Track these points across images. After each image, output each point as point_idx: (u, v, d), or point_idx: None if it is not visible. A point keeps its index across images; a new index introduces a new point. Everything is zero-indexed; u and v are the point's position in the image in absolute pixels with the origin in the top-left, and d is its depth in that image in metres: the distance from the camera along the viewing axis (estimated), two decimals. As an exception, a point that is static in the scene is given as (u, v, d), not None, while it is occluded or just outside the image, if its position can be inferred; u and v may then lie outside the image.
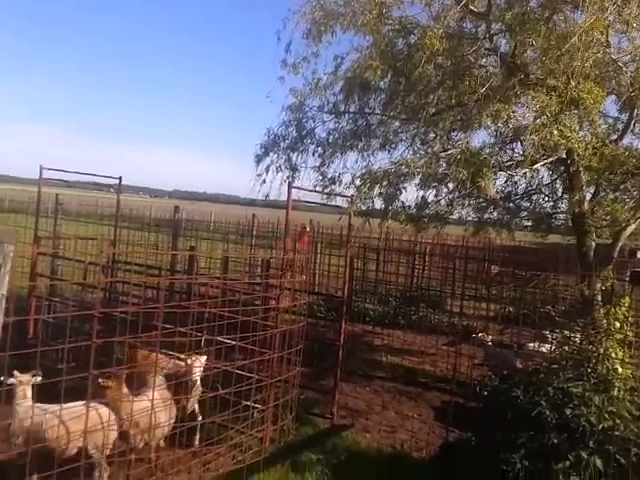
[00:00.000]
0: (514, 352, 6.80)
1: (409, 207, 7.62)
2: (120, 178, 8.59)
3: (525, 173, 7.45)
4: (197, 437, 4.95)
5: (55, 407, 3.98)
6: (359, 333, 10.56)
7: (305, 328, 5.17)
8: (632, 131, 7.15)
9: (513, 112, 5.40)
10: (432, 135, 7.78)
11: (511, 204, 7.98)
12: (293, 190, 5.68)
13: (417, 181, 7.13)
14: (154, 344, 4.44)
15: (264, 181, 7.62)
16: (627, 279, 4.68)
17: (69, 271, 8.17)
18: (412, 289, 13.17)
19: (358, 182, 6.32)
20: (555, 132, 5.00)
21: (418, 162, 6.56)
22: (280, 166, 7.72)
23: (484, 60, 6.36)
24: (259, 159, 7.68)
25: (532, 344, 6.87)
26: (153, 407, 4.21)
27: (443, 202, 7.77)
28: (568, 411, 3.99)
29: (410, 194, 7.28)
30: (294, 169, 7.65)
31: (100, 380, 4.08)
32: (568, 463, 3.79)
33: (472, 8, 5.86)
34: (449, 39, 6.19)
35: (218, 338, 4.77)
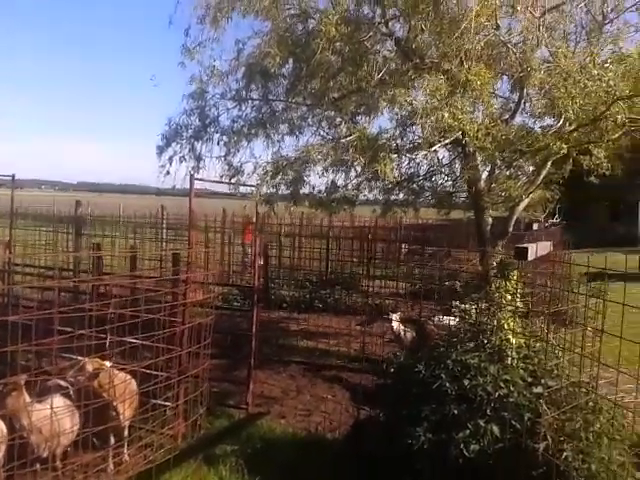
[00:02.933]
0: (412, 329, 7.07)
1: (320, 191, 7.70)
2: (13, 175, 7.96)
3: (426, 155, 7.71)
4: (112, 438, 4.79)
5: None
6: (276, 320, 10.59)
7: (213, 321, 5.09)
8: (523, 110, 7.54)
9: (409, 96, 5.51)
10: (339, 120, 7.87)
11: (414, 185, 8.22)
12: (200, 180, 5.57)
13: (325, 166, 7.22)
14: (52, 350, 4.24)
15: (168, 172, 7.40)
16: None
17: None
18: (328, 272, 13.39)
19: (261, 171, 6.27)
20: (447, 115, 5.17)
21: (321, 148, 6.62)
22: (184, 156, 7.52)
23: (380, 45, 6.46)
24: (161, 150, 7.43)
25: (437, 317, 7.19)
26: (56, 414, 4.06)
27: (350, 186, 7.88)
28: (466, 382, 4.18)
29: (320, 178, 7.36)
30: (199, 159, 7.46)
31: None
32: (468, 432, 3.98)
33: (367, -7, 5.92)
34: (347, 24, 6.22)
35: (123, 339, 4.61)
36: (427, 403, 4.24)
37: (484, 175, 7.67)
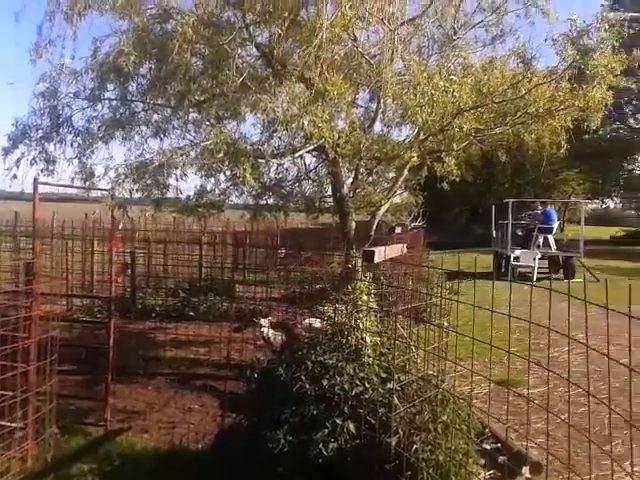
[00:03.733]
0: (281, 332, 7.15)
1: (188, 196, 7.52)
2: None
3: (293, 161, 7.84)
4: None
5: None
6: (143, 331, 10.14)
7: (58, 336, 4.76)
8: (382, 119, 7.93)
9: (271, 103, 5.55)
10: (207, 123, 7.74)
11: (283, 190, 8.32)
12: (46, 184, 5.18)
13: (193, 170, 7.07)
14: None
15: (15, 176, 6.79)
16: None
17: None
18: (202, 279, 13.10)
19: (113, 173, 5.98)
20: (307, 122, 5.28)
21: (186, 152, 6.47)
22: (35, 158, 6.95)
23: (241, 50, 6.45)
24: (7, 152, 6.80)
25: (307, 321, 7.31)
26: None
27: (217, 190, 7.79)
28: (325, 382, 4.29)
29: (187, 183, 7.20)
30: (50, 161, 6.93)
31: None
32: (326, 431, 4.07)
33: (227, -4, 5.89)
34: (208, 27, 6.15)
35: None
36: (288, 406, 4.29)
37: (349, 181, 7.97)
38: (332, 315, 4.87)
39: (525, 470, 4.02)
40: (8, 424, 4.63)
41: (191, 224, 15.23)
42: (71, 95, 6.92)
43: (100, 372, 6.68)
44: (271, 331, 7.42)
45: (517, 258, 16.84)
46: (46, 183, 5.41)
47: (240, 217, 9.41)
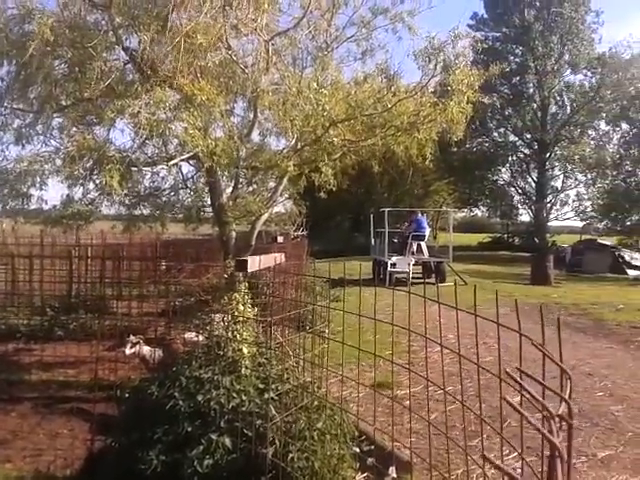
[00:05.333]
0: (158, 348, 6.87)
1: (54, 206, 7.01)
2: None
3: (168, 169, 7.60)
4: None
5: None
6: (6, 353, 9.25)
7: None
8: (259, 129, 7.94)
9: (140, 108, 5.33)
10: (74, 129, 7.27)
11: (159, 199, 8.03)
12: None
13: (60, 179, 6.61)
14: None
15: None
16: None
17: None
18: (72, 296, 12.22)
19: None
20: (180, 130, 5.15)
21: (50, 159, 6.06)
22: None
23: (108, 53, 6.16)
24: None
25: (184, 335, 7.08)
26: None
27: (85, 200, 7.33)
28: (200, 397, 4.16)
29: (51, 192, 6.71)
30: None
31: None
32: (201, 448, 3.95)
33: (92, -1, 5.60)
34: (72, 29, 5.80)
35: None
36: (160, 424, 4.11)
37: (228, 190, 7.87)
38: (208, 328, 4.75)
39: (392, 470, 4.16)
40: None
41: (59, 237, 14.18)
42: None
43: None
44: (147, 348, 7.08)
45: (394, 264, 17.60)
46: None
47: (111, 228, 8.94)
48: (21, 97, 6.60)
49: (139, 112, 5.06)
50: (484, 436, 5.14)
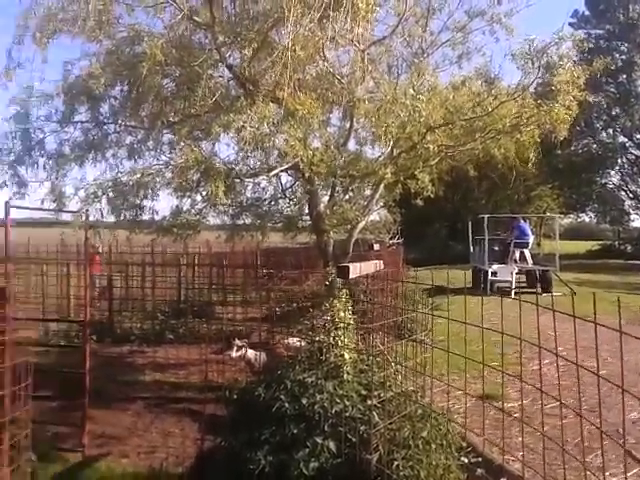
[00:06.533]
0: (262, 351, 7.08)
1: (164, 217, 7.49)
2: None
3: (269, 180, 7.88)
4: None
5: None
6: (122, 355, 9.99)
7: (29, 360, 4.65)
8: (355, 138, 8.03)
9: (244, 123, 5.58)
10: (182, 144, 7.76)
11: (260, 209, 8.33)
12: (17, 207, 5.12)
13: (169, 191, 7.07)
14: None
15: (-15, 200, 6.69)
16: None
17: None
18: (181, 301, 12.97)
19: (83, 193, 5.96)
20: (279, 141, 5.33)
21: (161, 173, 6.49)
22: (5, 182, 6.89)
23: (213, 70, 6.50)
24: (-23, 176, 6.75)
25: (287, 340, 7.26)
26: None
27: (194, 211, 7.77)
28: (304, 400, 4.25)
29: (162, 203, 7.19)
30: (22, 184, 6.87)
31: None
32: (307, 450, 4.02)
33: (196, 19, 5.94)
34: (179, 49, 6.20)
35: None
36: (267, 426, 4.24)
37: (325, 199, 8.01)
38: (310, 333, 4.85)
39: (503, 483, 4.01)
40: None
41: (168, 246, 15.12)
42: (42, 118, 6.90)
43: (76, 397, 6.56)
44: (251, 352, 7.35)
45: (495, 273, 16.99)
46: (18, 206, 5.32)
47: (216, 237, 9.38)
48: (133, 115, 7.10)
49: (243, 127, 5.28)
50: (600, 452, 4.82)
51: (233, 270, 15.40)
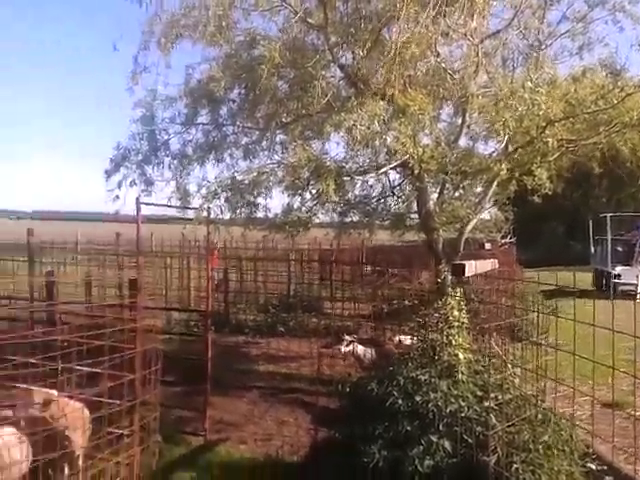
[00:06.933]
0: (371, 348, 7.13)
1: (276, 214, 7.78)
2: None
3: (378, 178, 7.91)
4: (66, 468, 4.66)
5: None
6: (237, 345, 10.53)
7: (158, 347, 5.05)
8: (467, 133, 7.82)
9: (355, 121, 5.66)
10: (294, 143, 8.02)
11: (367, 207, 8.38)
12: (147, 204, 5.58)
13: (281, 189, 7.34)
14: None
15: (117, 197, 7.33)
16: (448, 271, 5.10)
17: None
18: (290, 296, 13.39)
19: (205, 191, 6.35)
20: (389, 139, 5.35)
21: (273, 172, 6.74)
22: (134, 180, 7.49)
23: (326, 71, 6.63)
24: (109, 174, 7.38)
25: (397, 337, 7.27)
26: (6, 445, 3.97)
27: (304, 208, 7.98)
28: (418, 398, 4.25)
29: (274, 201, 7.46)
30: (149, 183, 7.44)
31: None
32: (421, 448, 4.02)
33: (310, 21, 6.11)
34: (292, 51, 6.40)
35: (75, 367, 4.53)
36: (381, 421, 4.30)
37: (434, 196, 7.90)
38: (423, 331, 4.83)
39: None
40: (116, 431, 4.92)
41: (277, 242, 15.63)
42: (167, 120, 7.42)
43: (198, 384, 7.02)
44: (361, 347, 7.44)
45: (619, 275, 15.83)
46: (147, 203, 5.79)
47: (324, 235, 9.56)
48: (249, 116, 7.42)
49: (354, 125, 5.36)
50: None
51: (341, 267, 15.60)
